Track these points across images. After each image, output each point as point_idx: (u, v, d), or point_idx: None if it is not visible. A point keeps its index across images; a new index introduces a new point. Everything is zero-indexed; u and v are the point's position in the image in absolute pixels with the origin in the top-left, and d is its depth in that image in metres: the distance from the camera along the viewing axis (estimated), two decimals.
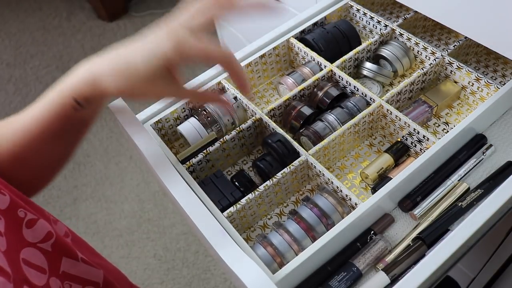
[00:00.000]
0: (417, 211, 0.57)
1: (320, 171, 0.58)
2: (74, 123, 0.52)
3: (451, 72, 0.68)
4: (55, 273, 0.44)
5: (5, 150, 0.49)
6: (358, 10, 0.76)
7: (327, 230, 0.52)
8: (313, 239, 0.54)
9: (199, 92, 0.53)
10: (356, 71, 0.73)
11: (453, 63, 0.66)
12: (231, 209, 0.55)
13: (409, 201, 0.57)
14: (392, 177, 0.59)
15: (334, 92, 0.66)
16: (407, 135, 0.62)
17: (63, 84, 0.49)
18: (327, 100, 0.66)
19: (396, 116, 0.62)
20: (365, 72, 0.70)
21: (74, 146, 0.56)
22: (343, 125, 0.62)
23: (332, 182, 0.57)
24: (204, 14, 0.48)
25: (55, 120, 0.49)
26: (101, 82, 0.46)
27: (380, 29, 0.74)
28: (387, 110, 0.63)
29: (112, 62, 0.47)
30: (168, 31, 0.47)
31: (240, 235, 0.53)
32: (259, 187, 0.57)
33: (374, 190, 0.60)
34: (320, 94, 0.67)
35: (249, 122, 0.64)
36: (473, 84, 0.66)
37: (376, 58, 0.73)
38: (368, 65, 0.70)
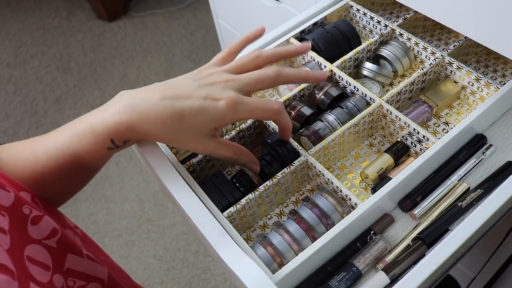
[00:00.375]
0: (417, 211, 0.57)
1: (320, 171, 0.58)
2: (103, 158, 0.50)
3: (451, 72, 0.68)
4: (59, 269, 0.44)
5: (22, 175, 0.48)
6: (358, 10, 0.77)
7: (327, 230, 0.52)
8: (313, 239, 0.54)
9: (236, 147, 0.52)
10: (356, 71, 0.73)
11: (453, 63, 0.66)
12: (231, 209, 0.55)
13: (409, 201, 0.57)
14: (392, 177, 0.59)
15: (334, 92, 0.66)
16: (407, 135, 0.62)
17: (99, 120, 0.46)
18: (327, 100, 0.66)
19: (396, 116, 0.62)
20: (365, 72, 0.71)
21: (95, 173, 0.55)
22: (343, 125, 0.62)
23: (332, 182, 0.57)
24: (261, 80, 0.48)
25: (84, 155, 0.48)
26: (145, 129, 0.45)
27: (380, 29, 0.74)
28: (387, 110, 0.63)
29: (161, 114, 0.45)
30: (224, 87, 0.46)
31: (240, 235, 0.53)
32: (259, 187, 0.57)
33: (374, 190, 0.60)
34: (320, 94, 0.67)
35: (249, 122, 0.64)
36: (473, 84, 0.66)
37: (376, 58, 0.73)
38: (368, 65, 0.70)
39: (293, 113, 0.65)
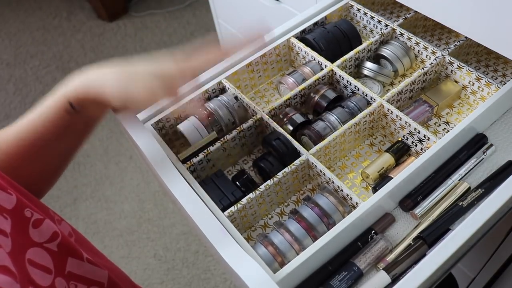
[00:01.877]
0: (418, 210, 0.57)
1: (321, 171, 0.58)
2: (68, 129, 0.52)
3: (451, 72, 0.68)
4: (60, 273, 0.44)
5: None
6: (358, 10, 0.77)
7: (328, 230, 0.52)
8: (314, 238, 0.54)
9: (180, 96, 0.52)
10: (356, 71, 0.73)
11: (453, 63, 0.67)
12: (232, 208, 0.55)
13: (410, 200, 0.57)
14: (393, 176, 0.59)
15: (331, 95, 0.66)
16: (407, 134, 0.62)
17: (62, 87, 0.50)
18: (323, 103, 0.66)
19: (397, 115, 0.62)
20: (365, 72, 0.71)
21: (70, 155, 0.57)
22: (344, 124, 0.62)
23: (333, 182, 0.57)
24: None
25: (49, 126, 0.50)
26: (99, 83, 0.49)
27: (381, 28, 0.74)
28: (388, 109, 0.63)
29: (116, 71, 0.49)
30: (168, 59, 0.51)
31: (241, 234, 0.53)
32: (260, 187, 0.57)
33: (375, 189, 0.60)
34: (317, 97, 0.67)
35: (250, 121, 0.64)
36: (473, 83, 0.66)
37: (376, 58, 0.73)
38: (368, 64, 0.70)
39: (285, 119, 0.65)
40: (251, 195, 0.56)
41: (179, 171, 0.53)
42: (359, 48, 0.70)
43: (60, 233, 0.46)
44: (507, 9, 0.53)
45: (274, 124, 0.63)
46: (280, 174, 0.57)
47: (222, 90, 0.69)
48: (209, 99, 0.68)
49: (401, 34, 0.72)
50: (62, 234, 0.46)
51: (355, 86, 0.66)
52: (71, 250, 0.47)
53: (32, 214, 0.43)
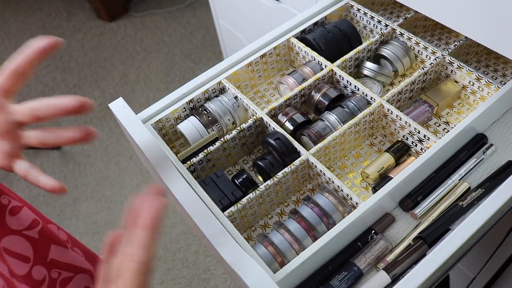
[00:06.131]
0: (418, 210, 0.57)
1: (321, 171, 0.58)
2: None
3: (451, 72, 0.68)
4: (41, 261, 0.43)
5: None
6: (358, 10, 0.77)
7: (328, 230, 0.52)
8: (314, 238, 0.54)
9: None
10: (356, 71, 0.73)
11: (453, 63, 0.66)
12: (232, 208, 0.55)
13: (410, 200, 0.57)
14: (392, 176, 0.59)
15: (333, 94, 0.66)
16: (407, 134, 0.62)
17: None
18: (325, 102, 0.66)
19: (397, 115, 0.62)
20: (365, 72, 0.71)
21: None
22: (343, 124, 0.62)
23: (333, 182, 0.57)
24: None
25: None
26: None
27: (381, 28, 0.74)
28: (388, 109, 0.63)
29: None
30: None
31: (241, 234, 0.53)
32: (260, 187, 0.57)
33: (374, 189, 0.60)
34: (318, 95, 0.67)
35: (250, 121, 0.64)
36: (473, 83, 0.66)
37: (376, 58, 0.73)
38: (368, 64, 0.70)
39: (285, 118, 0.65)
40: (251, 195, 0.56)
41: (179, 171, 0.53)
42: (359, 48, 0.70)
43: (41, 222, 0.45)
44: (507, 9, 0.53)
45: (274, 124, 0.63)
46: (280, 174, 0.57)
47: (222, 90, 0.69)
48: (209, 99, 0.68)
49: (401, 34, 0.72)
50: (44, 222, 0.45)
51: (355, 86, 0.66)
52: (55, 237, 0.46)
53: (9, 202, 0.42)
